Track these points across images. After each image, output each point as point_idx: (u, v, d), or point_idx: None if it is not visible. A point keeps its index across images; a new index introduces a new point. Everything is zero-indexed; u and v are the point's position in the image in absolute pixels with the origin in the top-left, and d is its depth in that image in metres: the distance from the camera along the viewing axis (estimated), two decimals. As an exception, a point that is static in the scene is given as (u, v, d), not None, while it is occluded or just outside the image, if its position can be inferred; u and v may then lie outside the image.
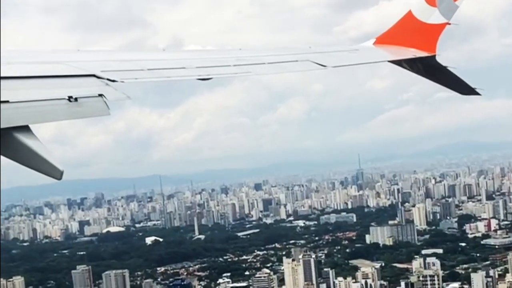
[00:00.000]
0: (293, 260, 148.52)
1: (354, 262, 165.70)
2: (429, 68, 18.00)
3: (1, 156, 8.43)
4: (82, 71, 11.16)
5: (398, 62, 17.84)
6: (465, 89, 17.98)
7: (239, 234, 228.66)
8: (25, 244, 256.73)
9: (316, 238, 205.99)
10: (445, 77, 17.78)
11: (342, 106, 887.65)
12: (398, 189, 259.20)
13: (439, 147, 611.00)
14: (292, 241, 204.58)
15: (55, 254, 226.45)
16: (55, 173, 8.25)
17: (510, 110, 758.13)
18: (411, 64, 18.03)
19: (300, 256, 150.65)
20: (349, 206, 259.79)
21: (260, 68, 14.60)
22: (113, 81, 10.93)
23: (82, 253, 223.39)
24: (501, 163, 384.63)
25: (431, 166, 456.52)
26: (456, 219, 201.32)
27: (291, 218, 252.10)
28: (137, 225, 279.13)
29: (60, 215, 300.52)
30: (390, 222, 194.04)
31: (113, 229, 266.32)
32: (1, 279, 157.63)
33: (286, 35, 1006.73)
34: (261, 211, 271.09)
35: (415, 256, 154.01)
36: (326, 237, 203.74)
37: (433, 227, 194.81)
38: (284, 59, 15.79)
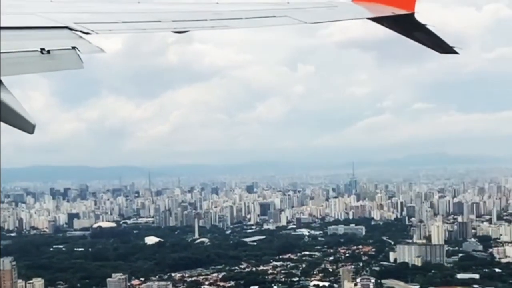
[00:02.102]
0: (355, 285, 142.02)
1: (387, 282, 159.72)
2: (407, 26, 17.91)
3: None
4: (55, 23, 10.98)
5: (376, 20, 17.82)
6: (443, 47, 18.05)
7: (246, 240, 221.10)
8: (12, 234, 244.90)
9: (330, 250, 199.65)
10: (424, 35, 17.81)
11: (321, 109, 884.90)
12: (401, 203, 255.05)
13: (410, 156, 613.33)
14: (306, 252, 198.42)
15: (51, 249, 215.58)
16: (28, 127, 8.18)
17: (486, 125, 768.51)
18: (390, 22, 18.02)
19: (358, 280, 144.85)
20: (350, 217, 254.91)
21: (237, 22, 14.56)
22: (87, 33, 10.75)
23: (80, 249, 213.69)
24: (485, 178, 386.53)
25: (408, 177, 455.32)
26: (475, 240, 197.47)
27: (294, 226, 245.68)
28: (128, 222, 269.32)
29: (44, 205, 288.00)
30: (419, 241, 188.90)
31: (105, 224, 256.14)
32: (21, 281, 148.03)
33: (267, 34, 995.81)
34: (258, 215, 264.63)
35: (474, 286, 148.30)
36: (342, 251, 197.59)
37: (456, 248, 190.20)
38: (262, 14, 15.72)
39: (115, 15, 12.99)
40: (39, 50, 9.52)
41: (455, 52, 18.61)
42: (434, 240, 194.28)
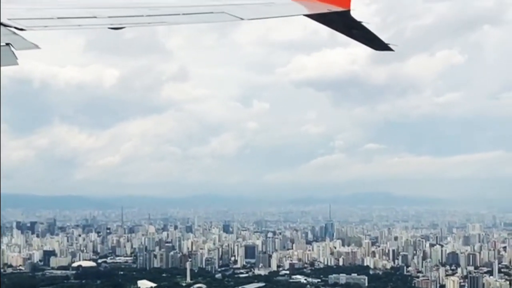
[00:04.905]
0: None
1: None
2: (344, 23, 18.18)
3: None
4: None
5: (313, 17, 18.07)
6: (379, 45, 18.34)
7: (247, 287, 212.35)
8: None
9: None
10: (360, 32, 18.08)
11: (275, 146, 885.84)
12: (393, 250, 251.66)
13: (355, 195, 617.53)
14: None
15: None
16: None
17: (434, 167, 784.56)
18: (327, 20, 18.26)
19: None
20: (340, 263, 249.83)
21: (174, 18, 14.69)
22: (21, 29, 10.66)
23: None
24: (444, 221, 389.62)
25: (362, 216, 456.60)
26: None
27: (286, 271, 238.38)
28: (107, 260, 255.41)
29: (13, 240, 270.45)
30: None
31: (85, 263, 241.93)
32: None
33: (224, 70, 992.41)
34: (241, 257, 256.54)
35: None
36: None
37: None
38: (199, 10, 15.92)
39: (50, 10, 12.61)
40: None
41: (390, 49, 18.54)
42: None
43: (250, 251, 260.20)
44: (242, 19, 15.61)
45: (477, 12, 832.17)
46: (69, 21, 12.50)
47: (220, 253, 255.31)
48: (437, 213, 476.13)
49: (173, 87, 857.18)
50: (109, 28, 12.95)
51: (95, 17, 12.97)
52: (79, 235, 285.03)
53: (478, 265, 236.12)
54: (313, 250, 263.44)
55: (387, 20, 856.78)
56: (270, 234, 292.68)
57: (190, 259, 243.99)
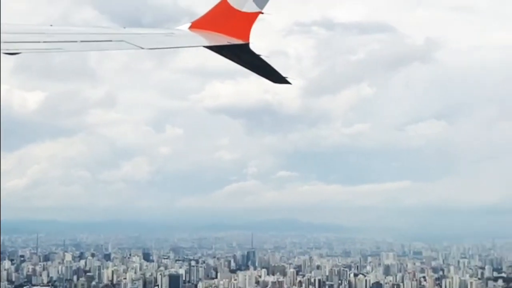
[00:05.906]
0: None
1: None
2: (243, 56, 18.19)
3: None
4: None
5: (214, 49, 18.02)
6: (276, 78, 18.48)
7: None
8: None
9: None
10: (259, 65, 18.17)
11: (188, 171, 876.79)
12: (319, 280, 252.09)
13: (266, 221, 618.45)
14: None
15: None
16: None
17: (342, 195, 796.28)
18: (227, 52, 18.30)
19: None
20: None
21: (72, 45, 14.41)
22: None
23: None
24: (354, 249, 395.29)
25: (275, 243, 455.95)
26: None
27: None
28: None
29: None
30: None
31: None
32: None
33: (142, 95, 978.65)
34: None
35: None
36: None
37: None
38: (98, 38, 15.73)
39: None
40: None
41: (288, 82, 18.60)
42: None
43: (174, 280, 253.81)
44: (141, 48, 15.64)
45: (409, 49, 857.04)
46: None
47: (143, 283, 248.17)
48: (347, 240, 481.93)
49: (90, 111, 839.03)
50: (4, 53, 12.61)
51: None
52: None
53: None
54: (238, 279, 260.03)
55: (322, 55, 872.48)
56: (193, 263, 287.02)
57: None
